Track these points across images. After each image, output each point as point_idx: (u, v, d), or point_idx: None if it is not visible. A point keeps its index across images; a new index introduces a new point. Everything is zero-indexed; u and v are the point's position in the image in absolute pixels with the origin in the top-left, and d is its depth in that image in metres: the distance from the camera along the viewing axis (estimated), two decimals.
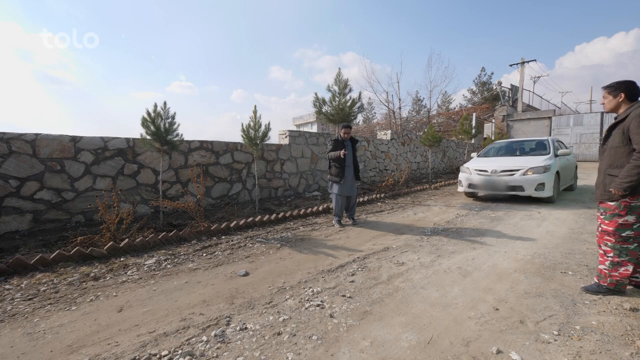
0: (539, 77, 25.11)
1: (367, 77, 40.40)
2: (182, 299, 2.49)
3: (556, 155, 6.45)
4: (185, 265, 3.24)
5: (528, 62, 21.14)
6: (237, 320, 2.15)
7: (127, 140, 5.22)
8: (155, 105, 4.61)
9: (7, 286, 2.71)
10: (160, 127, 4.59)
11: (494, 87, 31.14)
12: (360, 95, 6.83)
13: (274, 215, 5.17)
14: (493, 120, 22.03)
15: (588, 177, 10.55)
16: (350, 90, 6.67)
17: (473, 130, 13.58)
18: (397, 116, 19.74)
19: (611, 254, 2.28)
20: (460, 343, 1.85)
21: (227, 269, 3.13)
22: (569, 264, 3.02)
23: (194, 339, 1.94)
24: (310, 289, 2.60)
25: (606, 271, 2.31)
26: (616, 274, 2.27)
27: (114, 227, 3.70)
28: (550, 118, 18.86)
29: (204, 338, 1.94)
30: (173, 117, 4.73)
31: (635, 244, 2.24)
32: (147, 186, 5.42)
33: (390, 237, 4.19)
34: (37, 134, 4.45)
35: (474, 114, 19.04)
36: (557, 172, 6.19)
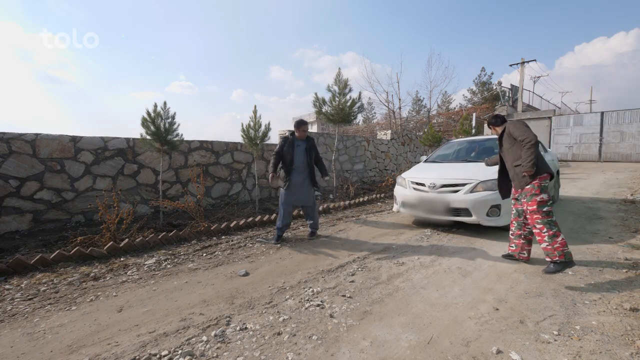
0: (539, 77, 25.11)
1: (367, 77, 40.38)
2: (182, 299, 2.49)
3: None
4: (185, 265, 3.24)
5: (528, 62, 21.14)
6: (237, 320, 2.15)
7: (127, 140, 5.22)
8: (155, 105, 4.61)
9: (7, 286, 2.71)
10: (160, 127, 4.59)
11: (494, 87, 31.11)
12: (360, 95, 6.84)
13: (274, 215, 5.17)
14: None
15: (588, 176, 10.55)
16: (350, 90, 6.68)
17: (473, 130, 13.57)
18: (397, 116, 19.74)
19: (545, 230, 2.70)
20: (460, 343, 1.85)
21: (227, 269, 3.13)
22: None
23: (194, 339, 1.94)
24: (310, 289, 2.60)
25: (549, 247, 2.69)
26: (557, 245, 2.66)
27: (114, 227, 3.70)
28: (550, 118, 18.86)
29: (204, 338, 1.95)
30: (173, 117, 4.73)
31: (555, 216, 2.78)
32: (147, 186, 5.42)
33: (390, 237, 4.19)
34: (37, 134, 4.45)
35: (474, 114, 19.03)
36: None
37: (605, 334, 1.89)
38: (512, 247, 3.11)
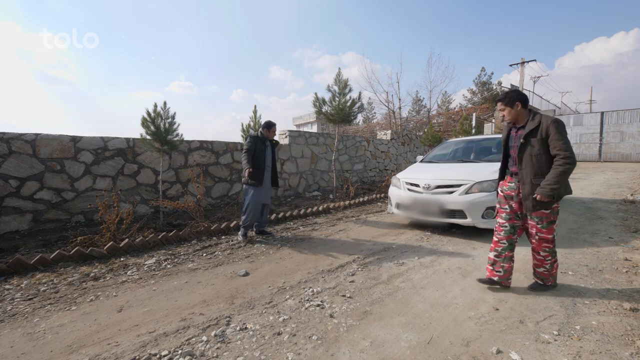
0: (539, 77, 25.11)
1: (367, 77, 40.49)
2: (182, 299, 2.49)
3: None
4: (185, 265, 3.24)
5: (528, 62, 21.13)
6: (237, 320, 2.15)
7: (127, 140, 5.22)
8: (155, 105, 4.61)
9: (7, 286, 2.71)
10: (160, 127, 4.60)
11: (494, 87, 31.10)
12: (360, 95, 6.84)
13: (274, 215, 5.17)
14: (493, 120, 22.02)
15: (588, 176, 10.55)
16: (350, 90, 6.68)
17: (473, 130, 13.59)
18: (397, 116, 19.73)
19: (549, 258, 2.39)
20: (460, 343, 1.85)
21: (227, 269, 3.13)
22: (569, 264, 3.02)
23: (194, 339, 1.94)
24: (310, 289, 2.60)
25: (547, 273, 2.42)
26: (554, 270, 2.43)
27: (114, 227, 3.70)
28: None
29: (204, 338, 1.95)
30: (173, 117, 4.73)
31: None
32: (147, 186, 5.42)
33: (390, 237, 4.19)
34: (37, 134, 4.45)
35: (474, 114, 19.02)
36: None
37: (605, 334, 1.89)
38: (499, 272, 2.47)
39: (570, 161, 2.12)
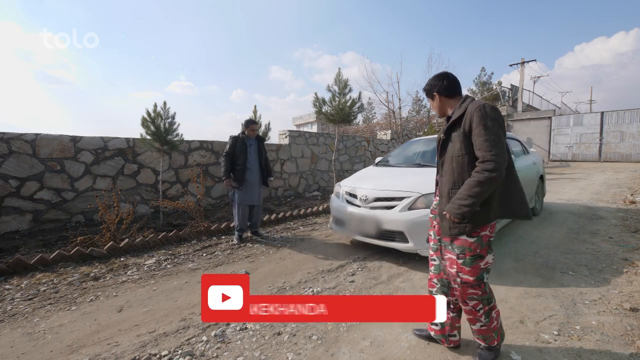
0: (539, 77, 25.10)
1: (367, 77, 40.41)
2: (182, 299, 2.49)
3: None
4: (185, 265, 3.24)
5: (528, 62, 21.12)
6: None
7: (127, 140, 5.23)
8: (155, 105, 4.61)
9: (7, 286, 2.71)
10: (160, 127, 4.60)
11: (494, 87, 31.05)
12: (360, 95, 6.83)
13: (274, 215, 5.17)
14: None
15: (588, 176, 10.54)
16: (350, 90, 6.67)
17: None
18: (397, 116, 19.72)
19: (480, 307, 1.59)
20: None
21: (227, 268, 3.13)
22: (569, 264, 3.02)
23: (194, 339, 1.94)
24: (311, 289, 2.60)
25: (485, 328, 1.62)
26: (495, 323, 1.63)
27: (114, 227, 3.70)
28: (550, 118, 18.84)
29: (204, 338, 1.95)
30: (173, 117, 4.73)
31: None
32: (147, 186, 5.42)
33: None
34: (37, 134, 4.45)
35: None
36: None
37: (605, 334, 1.89)
38: (435, 326, 1.80)
39: (492, 167, 1.39)
